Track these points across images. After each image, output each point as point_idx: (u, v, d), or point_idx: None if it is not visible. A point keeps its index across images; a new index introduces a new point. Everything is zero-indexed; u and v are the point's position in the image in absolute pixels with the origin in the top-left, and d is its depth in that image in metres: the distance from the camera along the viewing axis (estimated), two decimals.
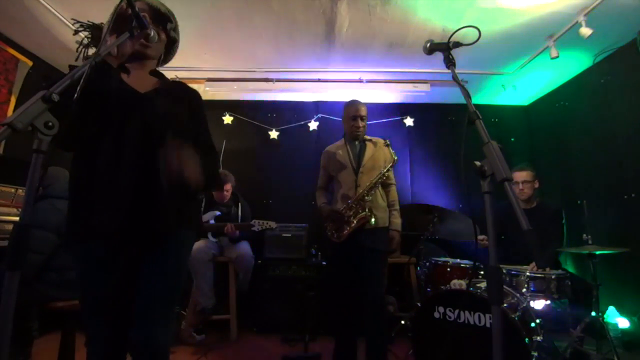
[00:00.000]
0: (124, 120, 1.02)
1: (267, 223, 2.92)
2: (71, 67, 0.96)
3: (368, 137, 2.26)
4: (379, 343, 1.96)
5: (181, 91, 1.23)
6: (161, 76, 1.23)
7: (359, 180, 2.12)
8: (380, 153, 2.21)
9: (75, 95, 0.74)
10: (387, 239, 2.12)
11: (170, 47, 1.27)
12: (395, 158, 2.16)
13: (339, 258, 2.10)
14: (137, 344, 0.99)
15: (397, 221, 2.16)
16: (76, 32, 1.08)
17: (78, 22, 1.09)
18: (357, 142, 2.24)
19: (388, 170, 2.14)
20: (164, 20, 1.18)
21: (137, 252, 1.04)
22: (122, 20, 0.97)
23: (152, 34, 1.05)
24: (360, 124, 2.19)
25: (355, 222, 2.02)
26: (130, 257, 1.04)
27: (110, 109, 1.01)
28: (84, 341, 1.04)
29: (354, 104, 2.24)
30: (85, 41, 1.07)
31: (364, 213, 2.02)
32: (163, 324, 1.03)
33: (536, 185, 2.59)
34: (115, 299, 1.02)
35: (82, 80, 0.76)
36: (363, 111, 2.21)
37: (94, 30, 1.09)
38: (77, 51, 1.06)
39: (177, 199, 1.07)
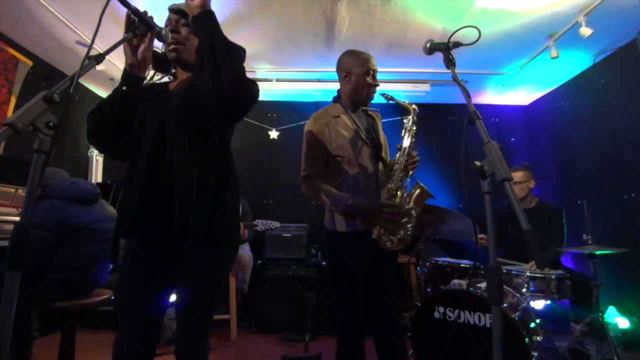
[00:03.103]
0: (146, 119, 1.05)
1: (270, 223, 2.92)
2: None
3: (366, 108, 1.72)
4: (402, 346, 1.62)
5: None
6: None
7: (399, 165, 1.53)
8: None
9: (71, 90, 0.74)
10: None
11: None
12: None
13: (357, 256, 1.51)
14: (178, 355, 1.05)
15: None
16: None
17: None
18: (360, 112, 1.67)
19: (412, 148, 1.56)
20: (185, 16, 1.11)
21: (167, 253, 1.06)
22: (131, 25, 0.98)
23: (163, 32, 1.02)
24: (378, 82, 1.61)
25: (414, 211, 1.47)
26: (157, 257, 1.06)
27: (140, 113, 1.05)
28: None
29: (363, 53, 1.64)
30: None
31: (419, 189, 1.50)
32: (199, 337, 1.05)
33: (531, 185, 2.61)
34: (143, 296, 1.04)
35: (76, 76, 0.74)
36: (376, 67, 1.63)
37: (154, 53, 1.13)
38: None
39: (194, 206, 0.98)
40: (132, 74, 1.01)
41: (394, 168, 1.53)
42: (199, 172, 1.01)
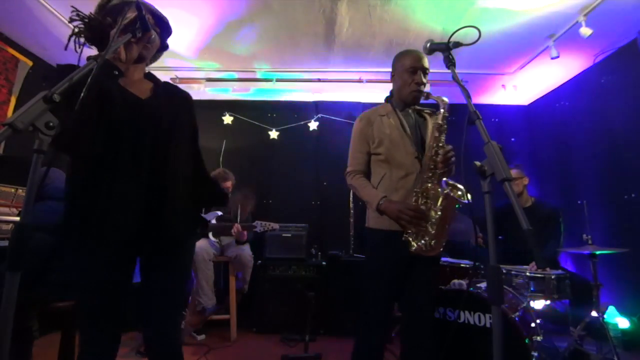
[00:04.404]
0: (135, 129, 1.02)
1: (269, 224, 2.92)
2: (59, 66, 1.00)
3: (419, 107, 1.64)
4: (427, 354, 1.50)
5: (176, 95, 1.23)
6: (153, 78, 1.22)
7: (424, 165, 1.45)
8: (436, 132, 1.59)
9: (82, 94, 0.75)
10: None
11: (159, 53, 1.27)
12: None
13: (386, 255, 1.50)
14: (158, 346, 1.08)
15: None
16: (71, 20, 1.07)
17: (76, 10, 1.06)
18: (410, 111, 1.61)
19: (438, 145, 1.44)
20: (164, 27, 1.20)
21: (147, 256, 1.08)
22: (127, 23, 0.99)
23: (153, 36, 1.07)
24: (424, 80, 1.53)
25: (437, 217, 1.37)
26: (137, 261, 1.07)
27: (117, 117, 1.00)
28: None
29: (412, 51, 1.59)
30: (76, 30, 1.06)
31: (444, 197, 1.36)
32: (178, 325, 1.14)
33: (525, 182, 2.66)
34: (118, 302, 1.04)
35: (90, 79, 0.76)
36: (427, 63, 1.55)
37: (90, 21, 1.07)
38: (68, 40, 1.05)
39: (186, 206, 1.12)
40: (113, 66, 1.00)
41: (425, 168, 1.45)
42: (189, 178, 1.15)
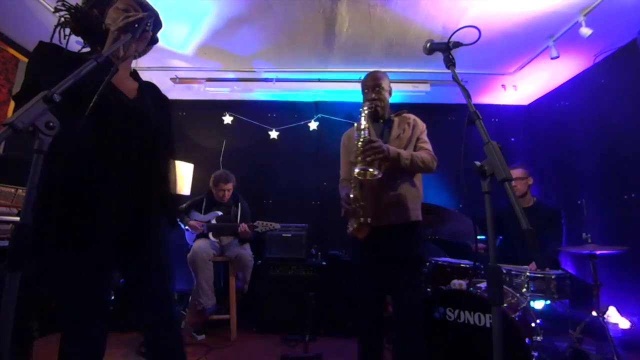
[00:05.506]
0: (125, 131, 1.02)
1: (270, 224, 2.91)
2: (41, 44, 0.99)
3: (395, 113, 1.84)
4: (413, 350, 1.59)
5: (158, 97, 1.25)
6: (136, 76, 1.21)
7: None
8: (408, 132, 1.79)
9: (94, 100, 0.78)
10: (420, 238, 1.72)
11: (148, 46, 1.26)
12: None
13: (360, 263, 1.75)
14: (162, 325, 1.10)
15: (416, 154, 1.70)
16: (56, 10, 1.06)
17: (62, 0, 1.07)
18: (381, 121, 1.82)
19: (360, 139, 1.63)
20: (156, 22, 1.19)
21: (130, 254, 1.08)
22: (129, 22, 0.99)
23: (150, 34, 1.09)
24: (373, 95, 1.74)
25: (357, 200, 1.56)
26: (110, 253, 1.05)
27: (109, 116, 0.99)
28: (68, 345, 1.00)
29: (368, 73, 1.84)
30: (62, 20, 1.06)
31: (362, 173, 1.53)
32: (177, 321, 1.19)
33: (530, 182, 2.67)
34: (107, 296, 1.07)
35: (102, 86, 0.80)
36: (379, 79, 1.77)
37: (77, 11, 1.06)
38: (53, 30, 1.05)
39: (167, 201, 1.17)
40: (112, 63, 0.99)
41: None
42: (169, 178, 1.19)
